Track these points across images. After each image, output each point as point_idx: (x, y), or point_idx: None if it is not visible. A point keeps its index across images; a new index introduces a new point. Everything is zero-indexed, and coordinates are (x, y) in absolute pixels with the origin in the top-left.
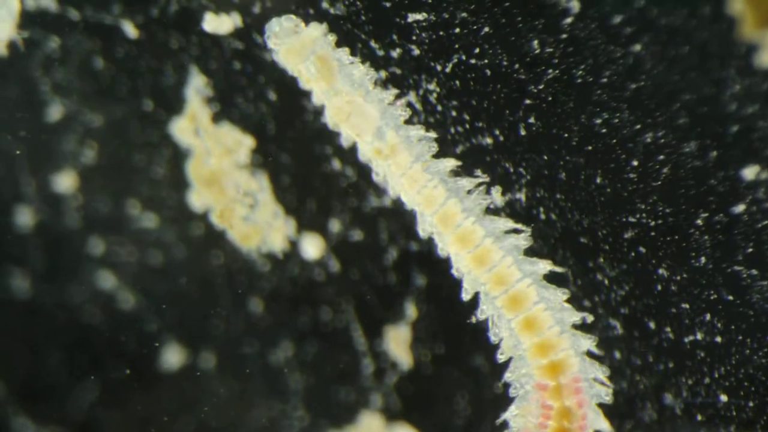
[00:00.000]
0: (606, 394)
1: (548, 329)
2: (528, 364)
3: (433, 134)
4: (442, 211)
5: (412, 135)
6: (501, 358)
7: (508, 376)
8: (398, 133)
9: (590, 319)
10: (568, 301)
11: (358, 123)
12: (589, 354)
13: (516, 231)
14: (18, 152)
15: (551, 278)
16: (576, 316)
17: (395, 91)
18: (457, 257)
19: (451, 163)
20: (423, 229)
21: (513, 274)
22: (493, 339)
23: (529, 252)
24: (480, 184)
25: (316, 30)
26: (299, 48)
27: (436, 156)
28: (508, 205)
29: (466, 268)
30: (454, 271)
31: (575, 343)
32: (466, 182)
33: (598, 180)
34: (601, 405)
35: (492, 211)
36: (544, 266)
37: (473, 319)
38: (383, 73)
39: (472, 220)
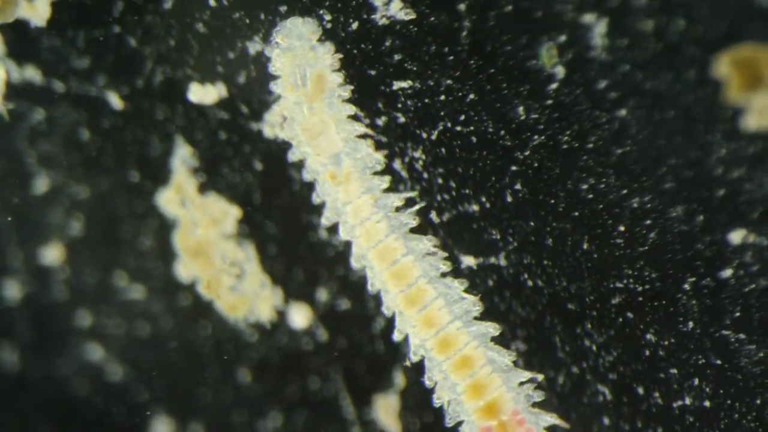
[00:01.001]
0: (551, 417)
1: (480, 368)
2: (465, 409)
3: (386, 176)
4: (382, 246)
5: (369, 168)
6: (437, 402)
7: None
8: (356, 163)
9: (540, 377)
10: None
11: (322, 144)
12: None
13: (456, 278)
14: (4, 225)
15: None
16: (506, 356)
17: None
18: (388, 294)
19: (400, 199)
20: (356, 260)
21: (443, 316)
22: (428, 383)
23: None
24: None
25: (326, 49)
26: (302, 55)
27: (388, 191)
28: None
29: (397, 307)
30: (384, 309)
31: (507, 378)
32: (409, 218)
33: (585, 246)
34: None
35: (432, 253)
36: (476, 305)
37: (408, 362)
38: (369, 142)
39: (411, 258)
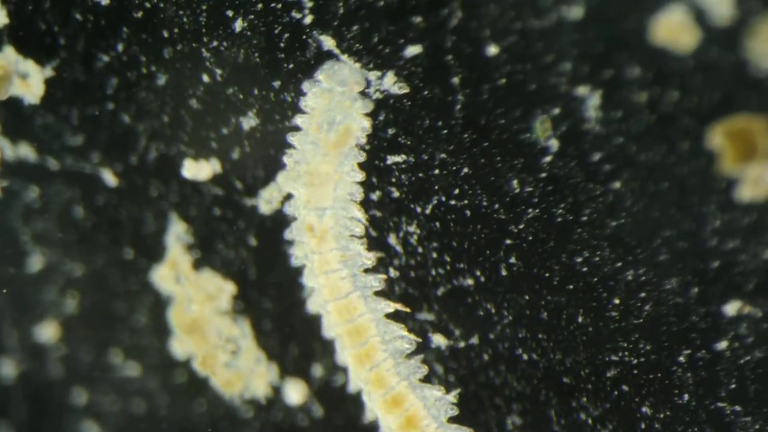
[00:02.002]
0: None
1: (425, 427)
2: None
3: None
4: (342, 302)
5: (349, 231)
6: None
7: None
8: (337, 220)
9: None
10: None
11: (316, 193)
12: None
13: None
14: None
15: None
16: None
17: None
18: (344, 351)
19: (369, 259)
20: (314, 304)
21: (392, 377)
22: None
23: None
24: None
25: (364, 106)
26: (339, 102)
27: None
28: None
29: (350, 363)
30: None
31: None
32: (375, 281)
33: (580, 319)
34: None
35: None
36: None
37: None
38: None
39: (369, 318)
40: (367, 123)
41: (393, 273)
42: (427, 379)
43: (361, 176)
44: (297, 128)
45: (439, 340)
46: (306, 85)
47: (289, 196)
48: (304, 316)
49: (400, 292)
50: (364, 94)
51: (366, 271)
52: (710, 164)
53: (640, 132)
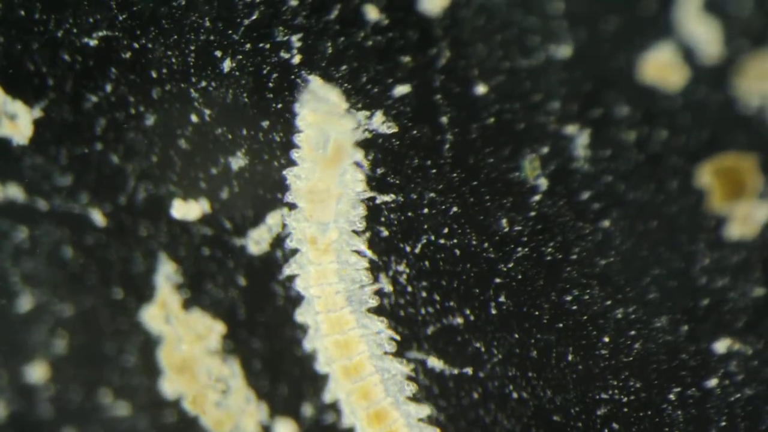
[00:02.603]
0: None
1: None
2: None
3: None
4: (335, 315)
5: (351, 247)
6: None
7: None
8: (341, 234)
9: None
10: None
11: (317, 210)
12: None
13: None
14: None
15: None
16: None
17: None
18: (331, 363)
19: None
20: (302, 314)
21: (378, 393)
22: None
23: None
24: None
25: (353, 121)
26: (329, 119)
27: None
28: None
29: (333, 374)
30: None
31: None
32: (370, 298)
33: (570, 357)
34: None
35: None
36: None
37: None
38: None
39: (359, 333)
40: (356, 134)
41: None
42: (414, 398)
43: (362, 189)
44: (297, 146)
45: (428, 377)
46: (298, 106)
47: (279, 237)
48: (293, 355)
49: (391, 329)
50: (349, 110)
51: (362, 287)
52: (699, 202)
53: (629, 171)
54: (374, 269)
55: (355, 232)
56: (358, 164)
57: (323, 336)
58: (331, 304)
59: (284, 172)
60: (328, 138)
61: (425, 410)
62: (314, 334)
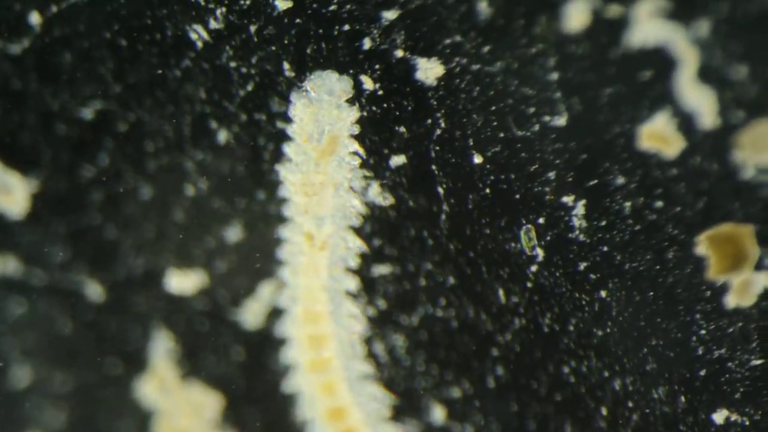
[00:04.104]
0: None
1: None
2: None
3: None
4: (312, 311)
5: (347, 247)
6: None
7: None
8: (336, 230)
9: None
10: None
11: (313, 203)
12: None
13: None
14: None
15: None
16: None
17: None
18: (296, 346)
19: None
20: (283, 300)
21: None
22: None
23: None
24: None
25: (350, 113)
26: (327, 111)
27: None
28: None
29: (298, 367)
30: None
31: None
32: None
33: (568, 429)
34: None
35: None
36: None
37: None
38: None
39: (333, 331)
40: (356, 129)
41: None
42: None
43: (359, 178)
44: (287, 137)
45: None
46: (294, 96)
47: (276, 311)
48: (290, 426)
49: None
50: (350, 101)
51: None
52: (696, 272)
53: (626, 241)
54: (370, 340)
55: (351, 227)
56: (355, 153)
57: (297, 326)
58: (312, 298)
59: (276, 167)
60: (323, 129)
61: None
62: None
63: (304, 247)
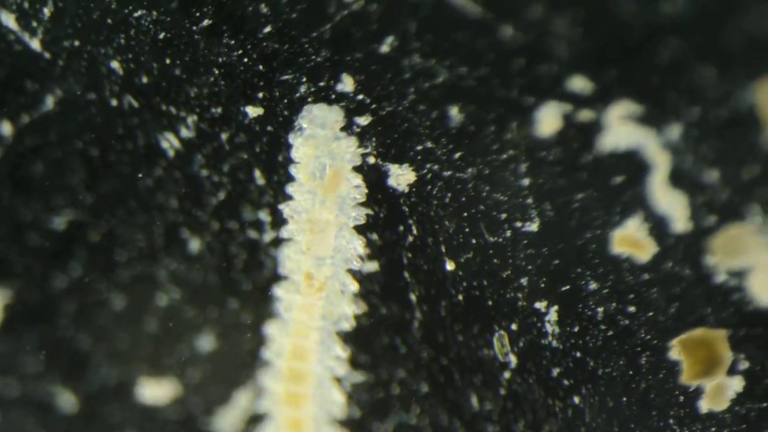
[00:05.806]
0: None
1: None
2: None
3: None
4: (300, 345)
5: (343, 289)
6: None
7: None
8: (335, 272)
9: None
10: None
11: (316, 241)
12: None
13: None
14: None
15: None
16: None
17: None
18: (274, 372)
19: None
20: (272, 330)
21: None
22: None
23: None
24: None
25: (349, 143)
26: (325, 145)
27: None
28: None
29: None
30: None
31: None
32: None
33: None
34: None
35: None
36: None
37: None
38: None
39: (315, 370)
40: (357, 159)
41: None
42: None
43: (363, 218)
44: (292, 178)
45: None
46: (291, 137)
47: (251, 418)
48: None
49: None
50: (345, 129)
51: (338, 334)
52: (669, 377)
53: (599, 346)
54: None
55: (350, 270)
56: (357, 187)
57: (282, 357)
58: (303, 334)
59: (280, 207)
60: (325, 165)
61: None
62: (274, 351)
63: (302, 286)
